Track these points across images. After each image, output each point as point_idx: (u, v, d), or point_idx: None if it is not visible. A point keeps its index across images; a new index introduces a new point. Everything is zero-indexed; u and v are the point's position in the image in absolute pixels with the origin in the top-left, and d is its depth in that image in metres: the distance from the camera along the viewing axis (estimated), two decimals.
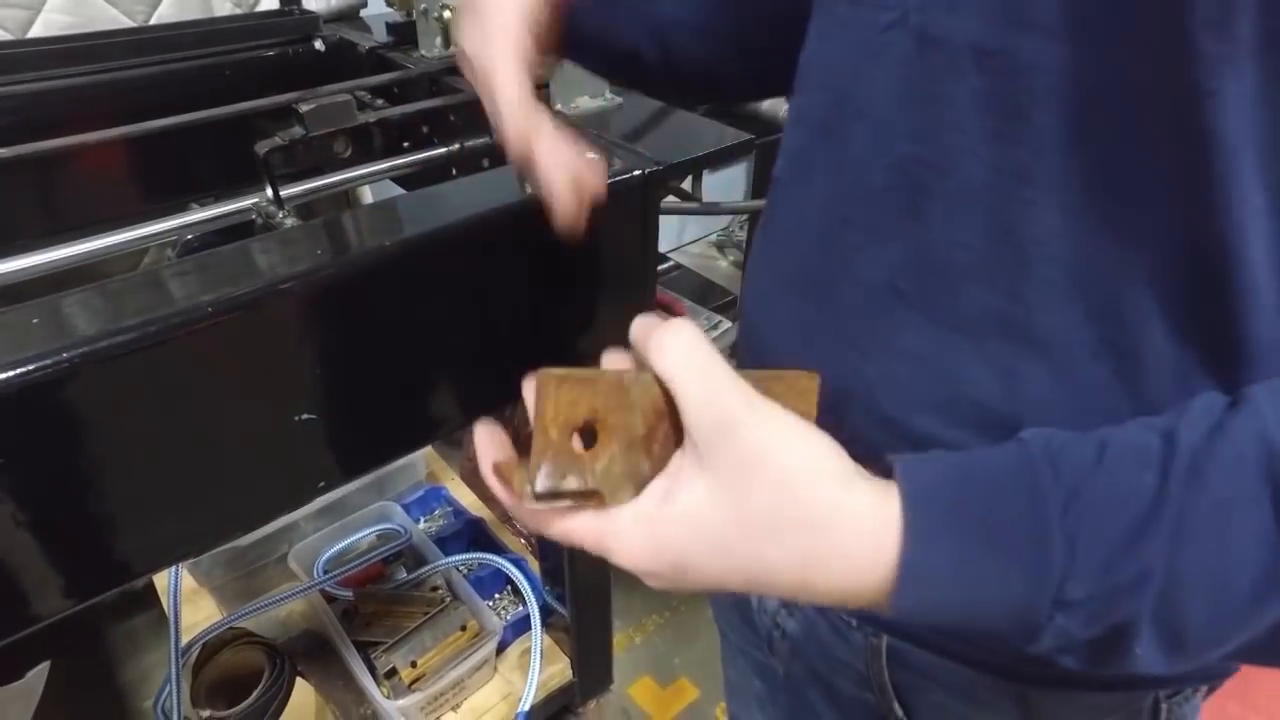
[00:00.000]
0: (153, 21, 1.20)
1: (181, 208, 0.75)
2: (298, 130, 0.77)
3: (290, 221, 0.72)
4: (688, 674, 1.58)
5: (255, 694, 0.97)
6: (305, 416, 0.62)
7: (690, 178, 1.33)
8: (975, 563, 0.28)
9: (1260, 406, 0.28)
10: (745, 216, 2.38)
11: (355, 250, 0.60)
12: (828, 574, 0.29)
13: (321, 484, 0.66)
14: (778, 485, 0.29)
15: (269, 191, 0.75)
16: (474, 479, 1.69)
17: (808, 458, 0.29)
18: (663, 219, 0.82)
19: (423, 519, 1.34)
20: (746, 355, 0.51)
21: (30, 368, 0.46)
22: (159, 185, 1.01)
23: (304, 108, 0.76)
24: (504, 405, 0.78)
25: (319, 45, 1.25)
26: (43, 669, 1.25)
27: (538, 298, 0.72)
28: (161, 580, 1.28)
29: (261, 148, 0.74)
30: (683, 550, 0.30)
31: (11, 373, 0.45)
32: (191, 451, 0.57)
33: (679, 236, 2.83)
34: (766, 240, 0.49)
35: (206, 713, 0.97)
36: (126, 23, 1.17)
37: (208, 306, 0.52)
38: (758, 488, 0.29)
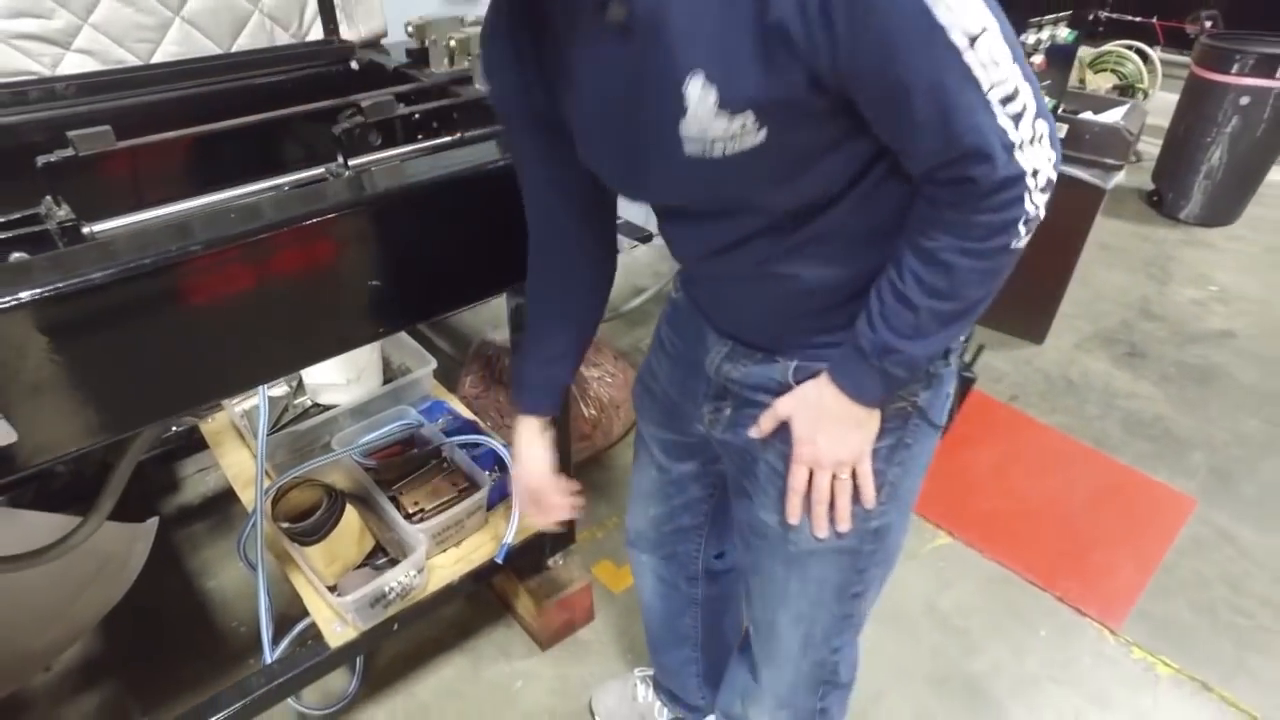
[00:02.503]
0: (234, 49, 1.64)
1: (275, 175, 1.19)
2: (359, 119, 1.20)
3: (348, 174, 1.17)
4: None
5: (319, 513, 1.39)
6: (374, 283, 1.07)
7: None
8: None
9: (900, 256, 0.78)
10: None
11: (396, 184, 1.05)
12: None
13: (382, 329, 1.12)
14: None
15: (339, 159, 1.19)
16: (470, 401, 2.14)
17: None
18: None
19: (430, 421, 1.78)
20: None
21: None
22: (253, 162, 1.45)
23: (365, 103, 1.19)
24: (493, 291, 1.26)
25: (354, 65, 1.70)
26: (154, 521, 1.68)
27: (500, 231, 1.16)
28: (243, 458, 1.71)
29: (338, 129, 1.18)
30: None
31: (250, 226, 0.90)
32: (314, 297, 1.02)
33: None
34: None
35: (285, 524, 1.40)
36: (216, 49, 1.61)
37: (330, 211, 0.97)
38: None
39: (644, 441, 1.23)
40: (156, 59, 1.55)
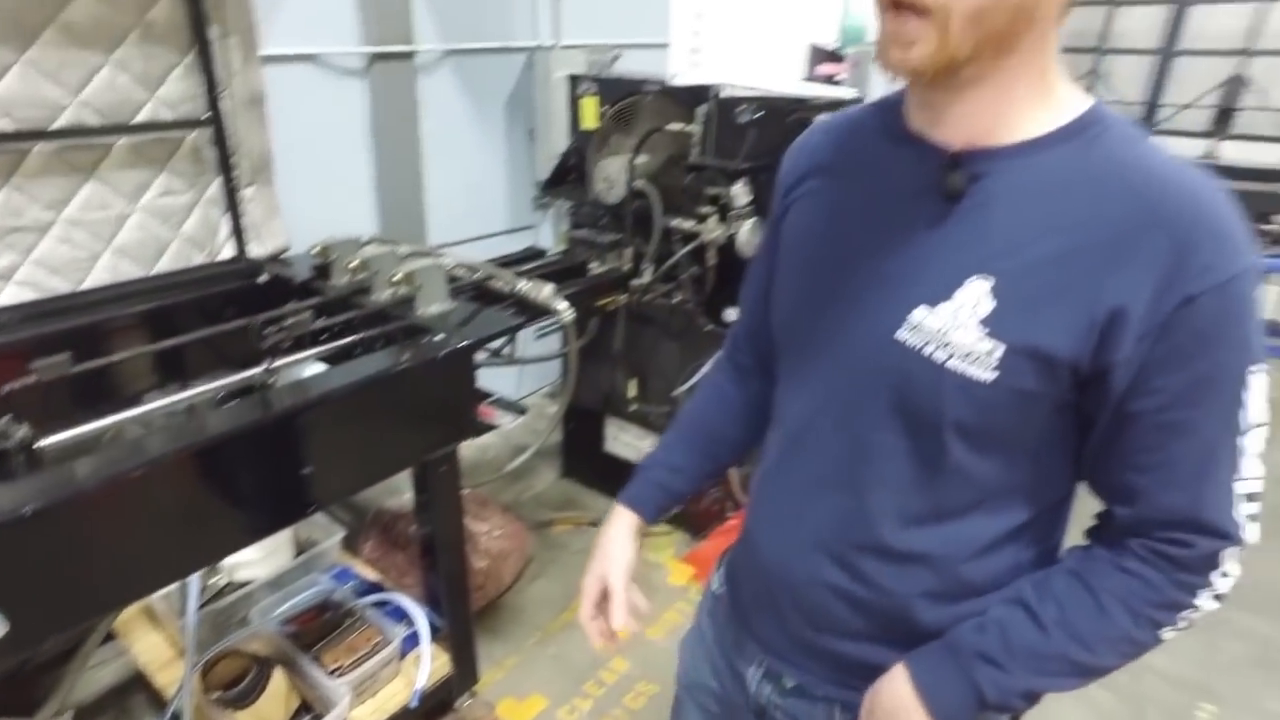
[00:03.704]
0: (156, 271, 1.89)
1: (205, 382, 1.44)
2: (282, 336, 1.48)
3: (276, 381, 1.43)
4: (540, 691, 2.20)
5: (248, 679, 1.54)
6: (306, 470, 1.32)
7: (508, 341, 2.09)
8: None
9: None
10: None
11: (310, 395, 1.33)
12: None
13: (310, 508, 1.36)
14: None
15: (266, 367, 1.45)
16: (371, 564, 2.31)
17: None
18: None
19: (341, 585, 1.95)
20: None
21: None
22: (186, 369, 1.68)
23: (288, 320, 1.47)
24: (405, 466, 1.52)
25: (262, 279, 1.98)
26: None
27: (401, 424, 1.45)
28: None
29: (264, 342, 1.45)
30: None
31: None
32: (255, 487, 1.26)
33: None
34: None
35: (215, 694, 1.53)
36: (141, 273, 1.86)
37: (264, 416, 1.23)
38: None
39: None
40: (86, 286, 1.78)
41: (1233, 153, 5.75)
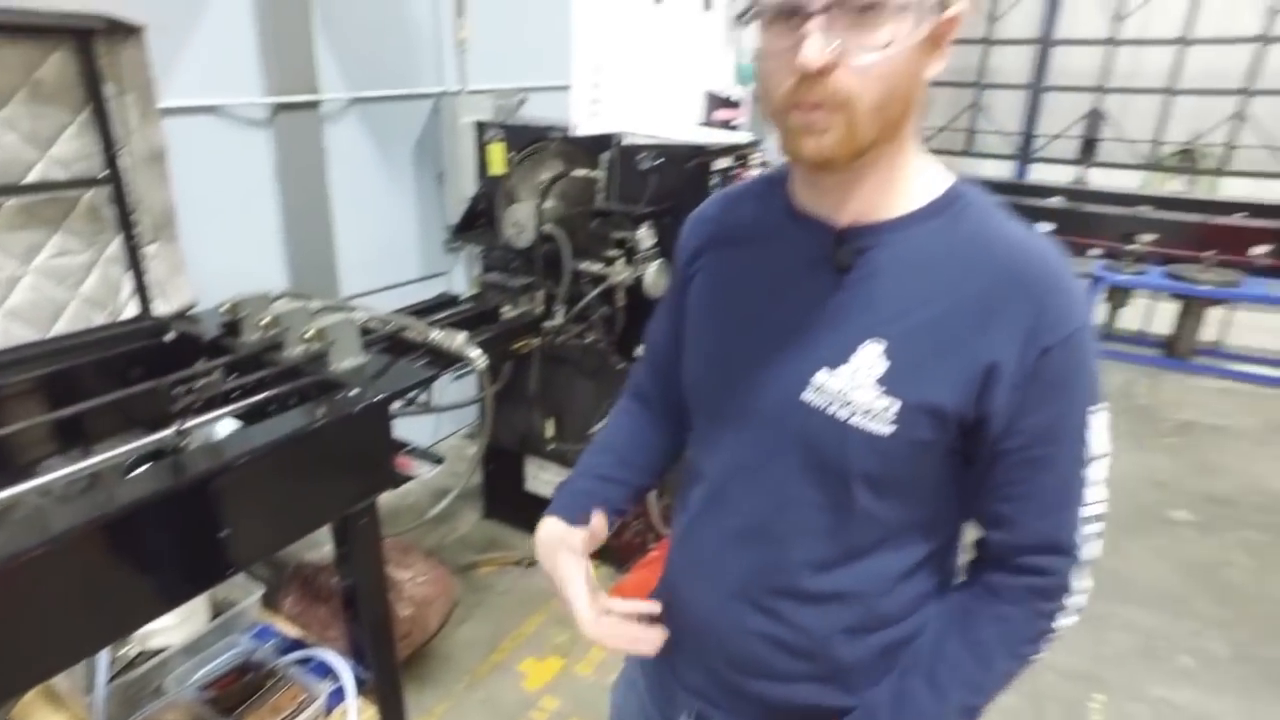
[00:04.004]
0: (53, 334, 1.84)
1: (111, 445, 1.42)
2: (192, 398, 1.47)
3: (189, 444, 1.42)
4: None
5: None
6: (223, 533, 1.32)
7: (423, 390, 2.11)
8: None
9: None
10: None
11: (224, 457, 1.33)
12: None
13: (230, 569, 1.35)
14: None
15: (175, 427, 1.44)
16: (292, 619, 2.27)
17: None
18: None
19: (262, 644, 1.91)
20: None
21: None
22: (91, 434, 1.64)
23: (196, 384, 1.47)
24: (327, 520, 1.52)
25: (169, 338, 1.95)
26: None
27: (319, 480, 1.46)
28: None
29: (175, 404, 1.44)
30: None
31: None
32: (171, 552, 1.25)
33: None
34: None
35: None
36: (36, 336, 1.81)
37: (175, 482, 1.23)
38: None
39: None
40: None
41: (1099, 179, 6.25)
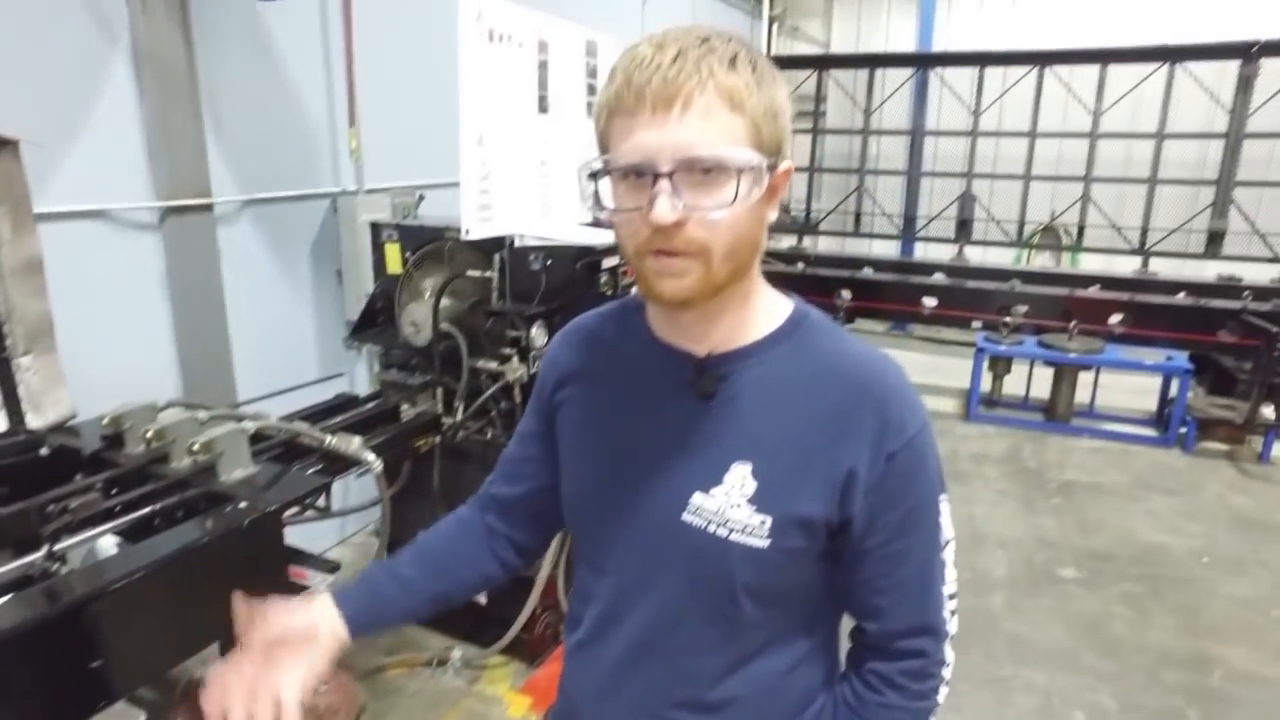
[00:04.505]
0: None
1: None
2: (67, 519, 1.42)
3: (60, 568, 1.37)
4: None
5: None
6: (95, 664, 1.27)
7: (324, 496, 2.08)
8: None
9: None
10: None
11: (101, 581, 1.29)
12: None
13: (104, 701, 1.29)
14: None
15: (45, 550, 1.38)
16: None
17: None
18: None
19: None
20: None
21: None
22: None
23: (73, 503, 1.42)
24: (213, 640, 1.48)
25: (45, 452, 1.87)
26: None
27: (205, 597, 1.42)
28: None
29: (48, 530, 1.39)
30: None
31: None
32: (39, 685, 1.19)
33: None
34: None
35: None
36: None
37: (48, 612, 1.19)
38: None
39: None
40: None
41: (976, 255, 6.73)
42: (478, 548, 1.08)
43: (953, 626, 0.90)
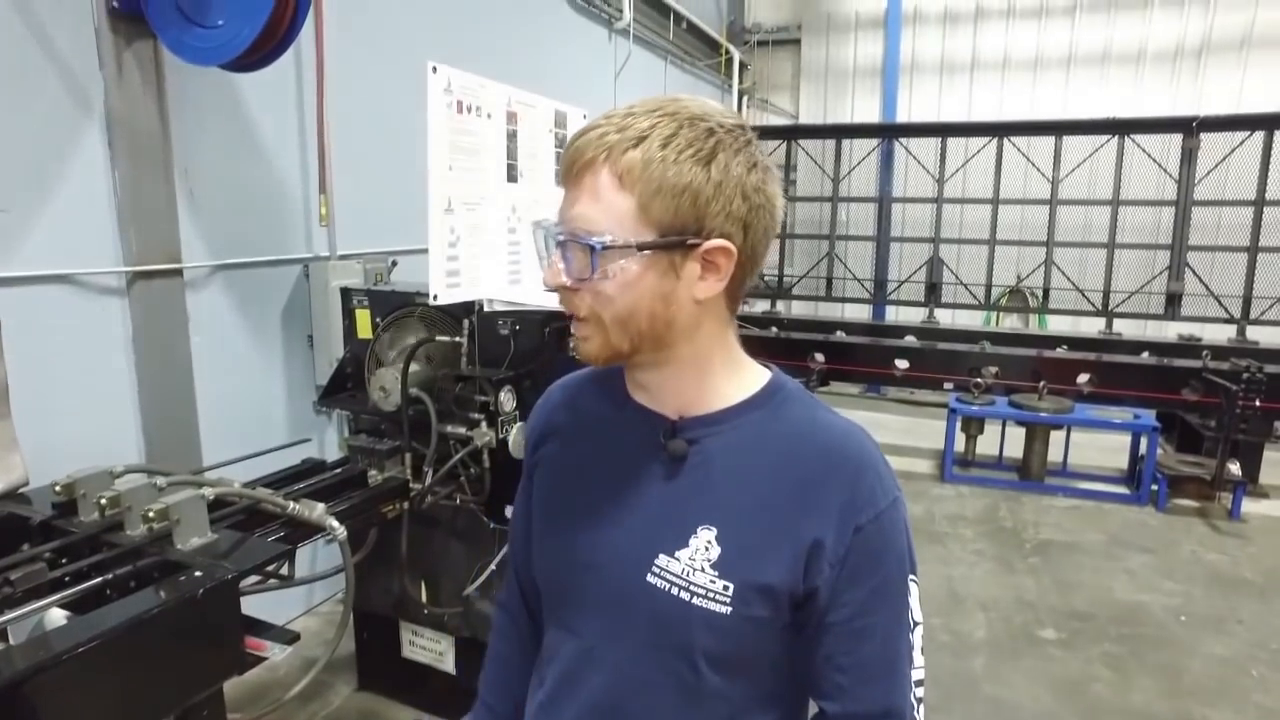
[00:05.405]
0: None
1: None
2: (7, 590, 1.37)
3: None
4: None
5: None
6: None
7: (286, 564, 2.03)
8: None
9: None
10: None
11: (44, 655, 1.24)
12: None
13: None
14: None
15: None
16: None
17: None
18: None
19: None
20: None
21: None
22: None
23: (14, 575, 1.37)
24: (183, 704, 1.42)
25: None
26: None
27: (157, 670, 1.37)
28: None
29: None
30: None
31: None
32: None
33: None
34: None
35: None
36: None
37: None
38: None
39: None
40: None
41: (946, 318, 6.85)
42: (520, 653, 1.09)
43: (920, 715, 0.86)
